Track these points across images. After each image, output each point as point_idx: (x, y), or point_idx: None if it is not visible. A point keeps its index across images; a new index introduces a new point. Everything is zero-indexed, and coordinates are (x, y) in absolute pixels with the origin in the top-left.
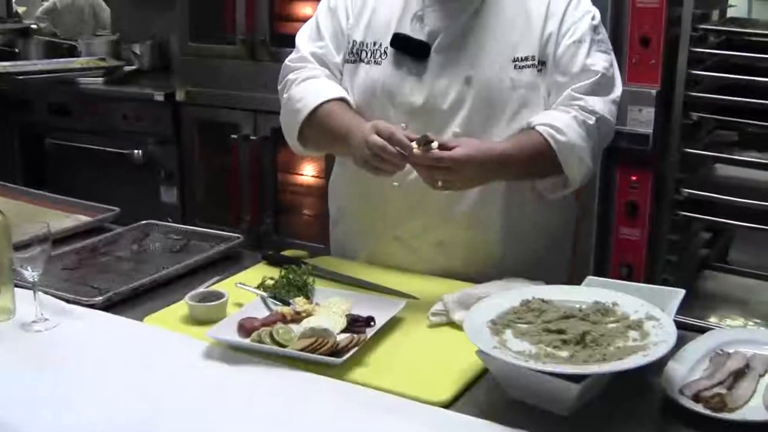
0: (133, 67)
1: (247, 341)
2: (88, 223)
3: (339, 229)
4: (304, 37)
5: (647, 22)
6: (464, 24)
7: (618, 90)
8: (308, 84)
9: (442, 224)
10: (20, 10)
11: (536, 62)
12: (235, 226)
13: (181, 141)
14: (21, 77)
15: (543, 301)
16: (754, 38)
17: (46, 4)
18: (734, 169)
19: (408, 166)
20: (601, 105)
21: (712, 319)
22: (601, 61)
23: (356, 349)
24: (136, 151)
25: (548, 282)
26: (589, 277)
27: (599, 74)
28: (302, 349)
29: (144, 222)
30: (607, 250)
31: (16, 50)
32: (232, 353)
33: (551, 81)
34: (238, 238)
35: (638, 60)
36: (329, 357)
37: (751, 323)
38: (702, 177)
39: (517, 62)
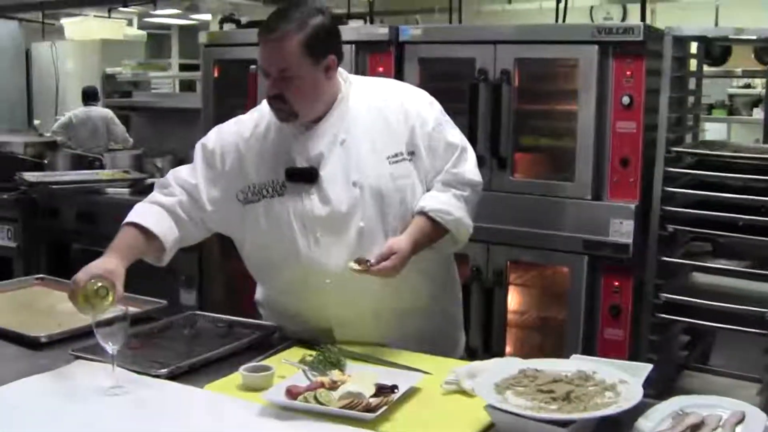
0: (155, 179)
1: (296, 402)
2: (142, 312)
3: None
4: (182, 168)
5: (626, 145)
6: (337, 141)
7: (473, 153)
8: (142, 204)
9: (368, 301)
10: (36, 122)
11: (405, 154)
12: None
13: (201, 247)
14: (53, 186)
15: (536, 370)
16: (723, 159)
17: (62, 119)
18: (709, 276)
19: (339, 265)
20: (470, 172)
21: None
22: (456, 135)
23: (386, 407)
24: None
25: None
26: (575, 355)
27: (459, 147)
28: (342, 407)
29: (189, 312)
30: (592, 348)
31: (45, 161)
32: (282, 412)
33: (426, 165)
34: (275, 326)
35: (619, 179)
36: (364, 413)
37: None
38: (681, 283)
39: (390, 158)
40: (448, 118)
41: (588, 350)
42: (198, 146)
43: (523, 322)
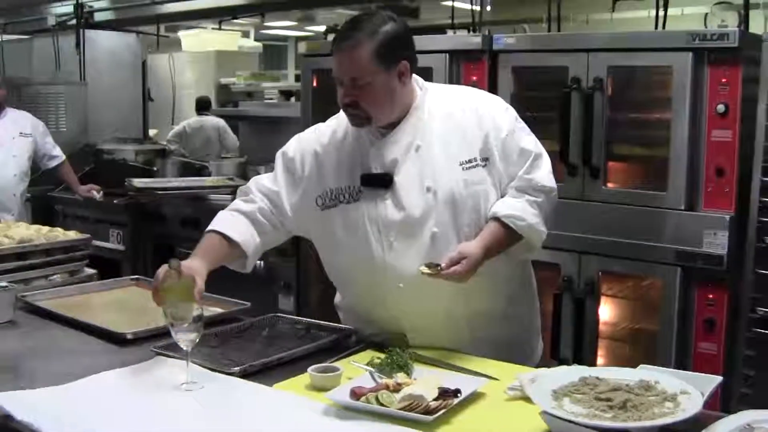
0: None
1: (358, 402)
2: (226, 313)
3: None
4: (263, 176)
5: (721, 155)
6: (411, 147)
7: (548, 159)
8: (224, 213)
9: (441, 306)
10: (152, 132)
11: (479, 160)
12: None
13: (299, 254)
14: (159, 192)
15: (597, 378)
16: None
17: (176, 128)
18: None
19: (412, 269)
20: (544, 178)
21: None
22: (531, 142)
23: (444, 410)
24: (258, 263)
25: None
26: (642, 365)
27: (533, 153)
28: (401, 408)
29: (270, 314)
30: (686, 362)
31: (155, 168)
32: (344, 412)
33: (500, 171)
34: (352, 329)
35: (713, 189)
36: (423, 415)
37: None
38: None
39: (463, 165)
40: (523, 124)
41: (681, 364)
42: (279, 154)
43: (614, 334)
